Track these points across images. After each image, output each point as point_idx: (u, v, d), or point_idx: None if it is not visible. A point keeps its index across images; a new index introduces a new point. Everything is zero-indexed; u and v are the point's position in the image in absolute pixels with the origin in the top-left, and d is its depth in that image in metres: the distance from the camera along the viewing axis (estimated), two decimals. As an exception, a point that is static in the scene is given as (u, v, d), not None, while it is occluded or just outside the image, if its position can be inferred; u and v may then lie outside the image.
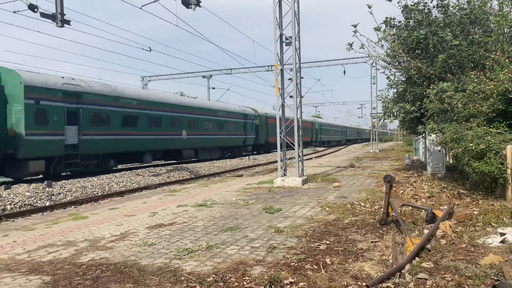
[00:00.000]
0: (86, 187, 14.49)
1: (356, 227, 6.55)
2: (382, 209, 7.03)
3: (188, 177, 19.28)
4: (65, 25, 15.82)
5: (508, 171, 7.70)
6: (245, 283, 4.17)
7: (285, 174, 13.40)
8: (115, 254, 5.40)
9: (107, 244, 5.95)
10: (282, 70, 13.31)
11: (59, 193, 13.25)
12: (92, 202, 12.19)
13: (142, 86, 42.25)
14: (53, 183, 14.18)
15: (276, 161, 21.63)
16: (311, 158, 29.74)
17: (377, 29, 13.46)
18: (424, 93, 12.04)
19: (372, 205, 8.49)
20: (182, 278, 4.39)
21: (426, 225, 6.28)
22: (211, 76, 43.03)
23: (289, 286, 4.08)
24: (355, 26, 12.88)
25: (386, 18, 13.65)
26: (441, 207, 7.34)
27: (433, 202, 8.44)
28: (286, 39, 13.09)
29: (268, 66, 38.70)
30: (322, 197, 9.93)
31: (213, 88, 49.48)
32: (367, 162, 23.23)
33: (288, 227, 6.65)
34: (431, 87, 11.51)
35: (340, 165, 20.71)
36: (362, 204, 8.64)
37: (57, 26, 15.69)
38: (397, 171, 15.86)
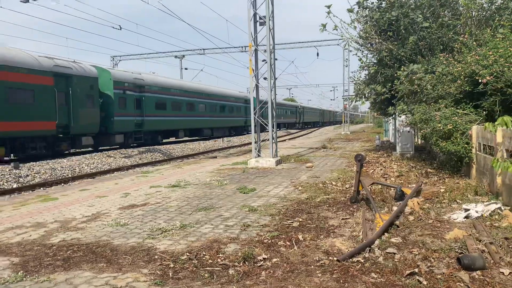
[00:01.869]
0: (55, 168, 14.13)
1: (327, 205, 6.69)
2: (353, 188, 7.19)
3: (160, 158, 19.09)
4: (29, 0, 15.13)
5: (473, 150, 7.98)
6: (219, 260, 4.20)
7: (259, 155, 13.46)
8: (87, 234, 5.33)
9: (79, 225, 5.86)
10: (256, 50, 13.22)
11: (27, 175, 12.88)
12: (62, 184, 11.91)
13: (112, 66, 41.08)
14: (20, 165, 13.76)
15: (250, 143, 21.68)
16: (284, 140, 29.93)
17: (350, 10, 13.53)
18: (395, 74, 12.25)
19: (343, 184, 8.67)
20: (156, 256, 4.38)
21: (395, 203, 6.47)
22: (183, 56, 42.24)
23: (262, 262, 4.14)
24: (328, 7, 12.90)
25: (359, -1, 13.71)
26: (409, 185, 7.56)
27: (402, 181, 8.68)
28: (260, 18, 12.97)
29: (242, 47, 38.34)
30: (295, 177, 10.06)
31: (186, 68, 48.85)
32: (339, 143, 23.60)
33: (262, 206, 6.72)
34: (401, 69, 11.72)
35: (312, 147, 20.96)
36: (334, 183, 8.81)
37: (21, 1, 14.99)
38: (368, 152, 16.18)
